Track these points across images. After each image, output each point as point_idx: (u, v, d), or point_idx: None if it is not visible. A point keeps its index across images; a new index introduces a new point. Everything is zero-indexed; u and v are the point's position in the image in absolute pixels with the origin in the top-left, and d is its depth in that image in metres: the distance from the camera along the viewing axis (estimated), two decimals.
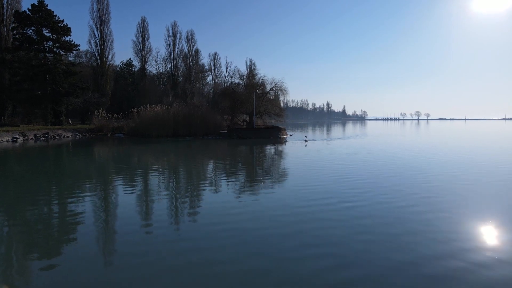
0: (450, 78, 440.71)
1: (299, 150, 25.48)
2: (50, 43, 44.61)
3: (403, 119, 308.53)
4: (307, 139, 33.04)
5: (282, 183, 12.63)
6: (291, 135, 43.00)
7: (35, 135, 35.29)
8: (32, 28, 43.36)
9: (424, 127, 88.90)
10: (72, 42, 45.61)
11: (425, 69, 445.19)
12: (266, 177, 14.10)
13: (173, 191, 11.24)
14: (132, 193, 11.04)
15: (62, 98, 44.94)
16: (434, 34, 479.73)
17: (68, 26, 44.87)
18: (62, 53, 45.89)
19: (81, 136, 40.18)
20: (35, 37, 43.21)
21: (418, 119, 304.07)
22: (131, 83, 64.67)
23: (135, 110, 40.82)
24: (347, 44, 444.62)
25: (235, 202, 9.66)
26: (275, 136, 38.49)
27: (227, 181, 12.99)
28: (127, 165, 18.73)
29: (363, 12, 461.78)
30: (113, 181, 13.30)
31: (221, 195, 10.48)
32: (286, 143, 30.56)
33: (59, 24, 44.21)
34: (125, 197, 10.50)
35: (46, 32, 43.99)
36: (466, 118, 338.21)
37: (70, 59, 61.08)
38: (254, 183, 12.78)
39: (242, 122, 48.40)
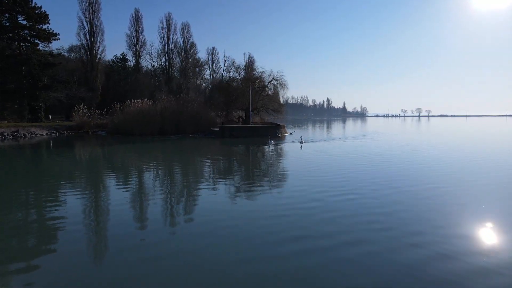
0: (451, 74, 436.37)
1: (292, 156, 20.83)
2: (27, 32, 40.58)
3: (404, 116, 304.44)
4: (302, 141, 27.42)
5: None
6: (291, 134, 38.74)
7: (1, 134, 31.26)
8: (6, 15, 39.35)
9: (427, 124, 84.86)
10: (50, 31, 41.56)
11: (426, 65, 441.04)
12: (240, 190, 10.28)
13: (143, 201, 7.51)
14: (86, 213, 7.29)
15: (40, 92, 40.98)
16: (435, 29, 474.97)
17: (46, 13, 40.90)
18: (38, 42, 41.71)
19: (58, 134, 36.27)
20: (8, 24, 39.17)
21: (419, 116, 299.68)
22: (125, 78, 60.40)
23: (118, 106, 36.75)
24: (345, 35, 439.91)
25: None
26: (273, 134, 33.85)
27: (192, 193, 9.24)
28: (80, 172, 14.90)
29: (362, 4, 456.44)
30: (56, 196, 9.49)
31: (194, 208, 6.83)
32: (273, 145, 25.05)
33: (36, 11, 40.17)
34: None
35: (21, 20, 39.95)
36: (467, 114, 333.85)
37: (64, 53, 57.05)
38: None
39: (238, 118, 44.59)
